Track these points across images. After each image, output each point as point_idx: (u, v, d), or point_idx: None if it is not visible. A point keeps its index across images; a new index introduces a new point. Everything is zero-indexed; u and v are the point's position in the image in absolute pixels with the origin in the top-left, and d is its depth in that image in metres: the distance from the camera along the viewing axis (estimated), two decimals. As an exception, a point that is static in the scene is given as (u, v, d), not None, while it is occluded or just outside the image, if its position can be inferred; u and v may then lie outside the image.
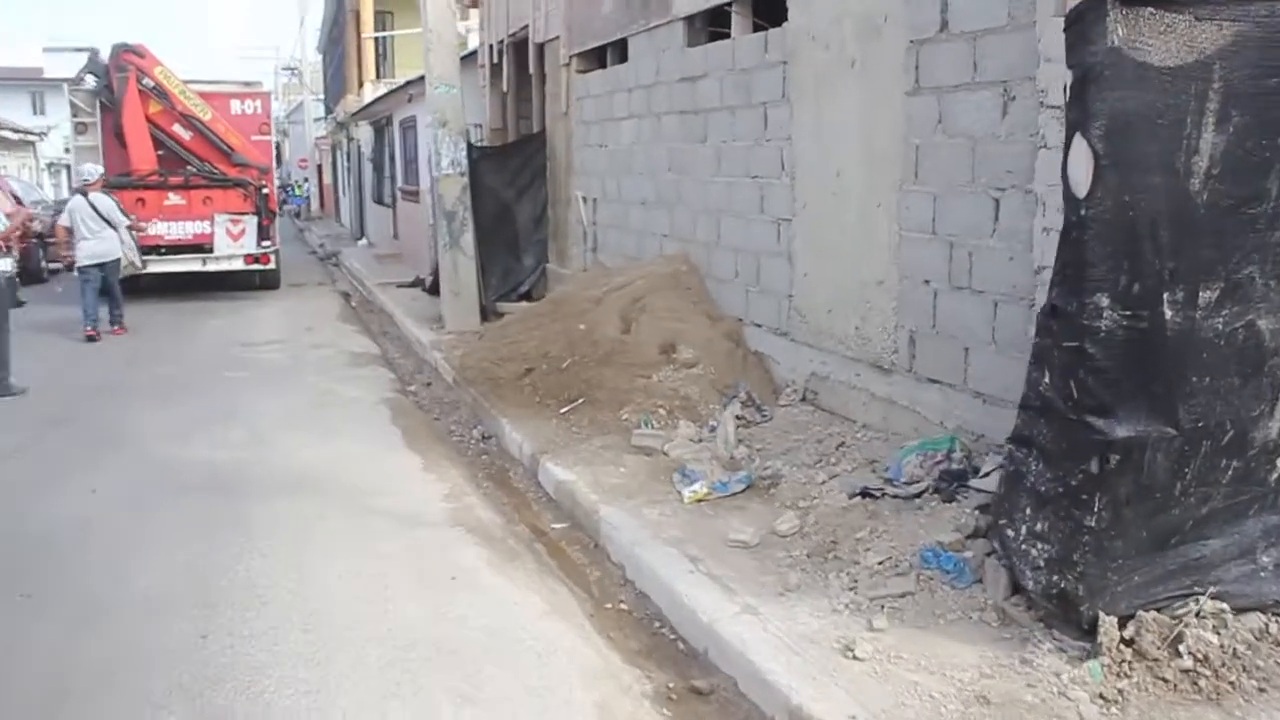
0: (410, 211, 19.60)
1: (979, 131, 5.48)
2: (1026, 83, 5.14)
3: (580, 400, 7.60)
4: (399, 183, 20.85)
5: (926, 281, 5.97)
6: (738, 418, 7.17)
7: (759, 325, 7.87)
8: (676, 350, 7.84)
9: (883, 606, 4.23)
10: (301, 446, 7.19)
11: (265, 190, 15.78)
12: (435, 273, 14.41)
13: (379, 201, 23.88)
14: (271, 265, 15.93)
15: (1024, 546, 4.09)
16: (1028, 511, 4.12)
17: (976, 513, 4.68)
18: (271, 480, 6.47)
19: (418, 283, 16.26)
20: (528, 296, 12.70)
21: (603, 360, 7.92)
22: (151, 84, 14.86)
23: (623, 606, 4.75)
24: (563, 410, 7.58)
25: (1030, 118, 5.12)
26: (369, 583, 4.80)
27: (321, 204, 42.51)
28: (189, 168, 15.37)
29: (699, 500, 5.70)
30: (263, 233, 15.61)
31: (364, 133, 26.41)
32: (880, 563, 4.52)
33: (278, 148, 28.42)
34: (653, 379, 7.53)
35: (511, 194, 12.56)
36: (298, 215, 40.95)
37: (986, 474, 4.99)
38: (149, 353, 11.22)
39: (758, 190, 7.71)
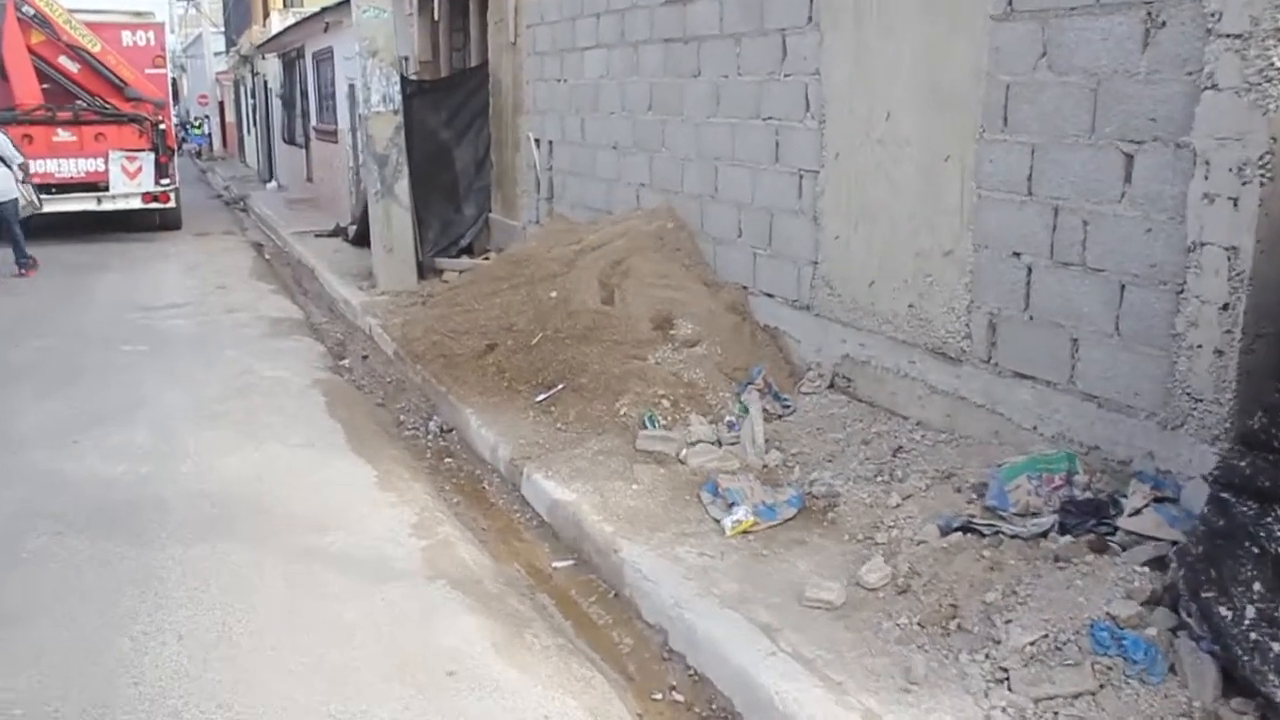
0: (326, 153, 17.90)
1: (1105, 67, 4.29)
2: (1184, 3, 3.95)
3: (561, 386, 6.32)
4: (313, 121, 19.07)
5: (1016, 254, 4.80)
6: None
7: (770, 295, 6.65)
8: (673, 325, 6.60)
9: (1056, 714, 3.09)
10: (221, 453, 5.78)
11: (162, 126, 15.25)
12: (359, 222, 12.96)
13: (290, 141, 22.00)
14: (172, 204, 15.39)
15: (1251, 634, 2.98)
16: (1256, 587, 3.01)
17: (1147, 569, 3.55)
18: (185, 510, 5.01)
19: (338, 232, 14.72)
20: (469, 251, 11.31)
21: (583, 336, 6.64)
22: (32, 12, 14.05)
23: (677, 697, 3.55)
24: (539, 398, 6.30)
25: (1188, 49, 3.95)
26: (333, 686, 3.46)
27: (225, 143, 39.98)
28: (79, 102, 14.64)
29: (744, 531, 4.50)
30: (161, 170, 15.10)
31: (271, 67, 24.37)
32: (1032, 643, 3.37)
33: (174, 83, 27.30)
34: (648, 360, 6.28)
35: (450, 135, 11.08)
36: (199, 155, 38.53)
37: (1137, 512, 3.85)
38: (31, 319, 9.59)
39: (770, 135, 6.45)
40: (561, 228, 8.56)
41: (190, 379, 7.38)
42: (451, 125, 11.07)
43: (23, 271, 11.83)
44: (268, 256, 14.15)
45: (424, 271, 10.63)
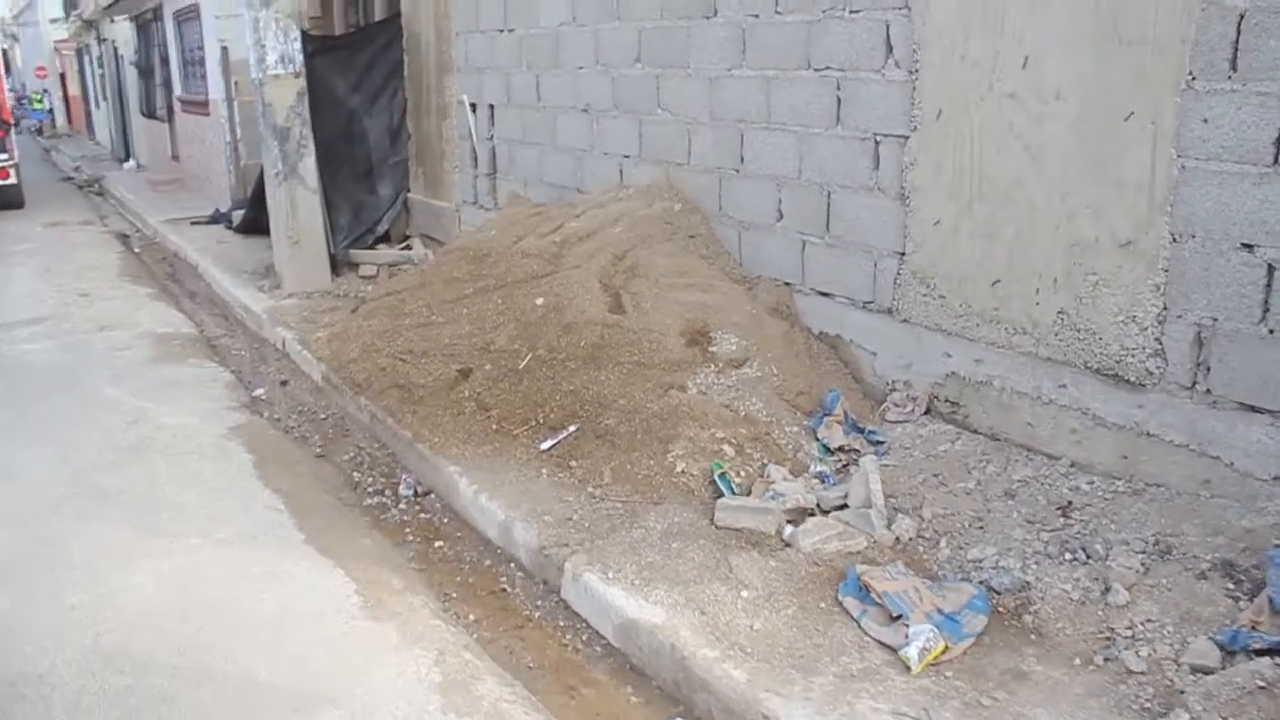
0: (195, 127, 15.73)
1: None
2: None
3: (574, 429, 4.82)
4: (177, 91, 16.80)
5: (1247, 247, 3.48)
6: (840, 450, 4.60)
7: (827, 295, 5.24)
8: (711, 338, 5.15)
9: None
10: (121, 565, 4.05)
11: None
12: (249, 206, 11.13)
13: (149, 115, 19.59)
14: (12, 179, 14.77)
15: None
16: None
17: None
18: (75, 694, 3.23)
19: (219, 218, 12.77)
20: (385, 239, 9.58)
21: (591, 357, 5.14)
22: None
23: None
24: (546, 446, 4.79)
25: None
26: None
27: (69, 119, 36.54)
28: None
29: (933, 663, 3.09)
30: None
31: (122, 31, 21.75)
32: None
33: (5, 55, 24.74)
34: (689, 390, 4.81)
35: (360, 101, 9.32)
36: (40, 133, 35.19)
37: None
38: None
39: (827, 90, 5.00)
40: (526, 212, 6.96)
41: (59, 434, 5.58)
42: (360, 89, 9.30)
43: None
44: (137, 249, 12.10)
45: (336, 266, 8.90)
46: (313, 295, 8.45)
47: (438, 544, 4.39)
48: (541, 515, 4.17)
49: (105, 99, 26.12)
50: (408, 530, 4.54)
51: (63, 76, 36.63)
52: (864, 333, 5.07)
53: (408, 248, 9.47)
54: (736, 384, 4.88)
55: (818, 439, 4.64)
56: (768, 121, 5.41)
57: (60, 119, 37.47)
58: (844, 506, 4.08)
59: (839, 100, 4.95)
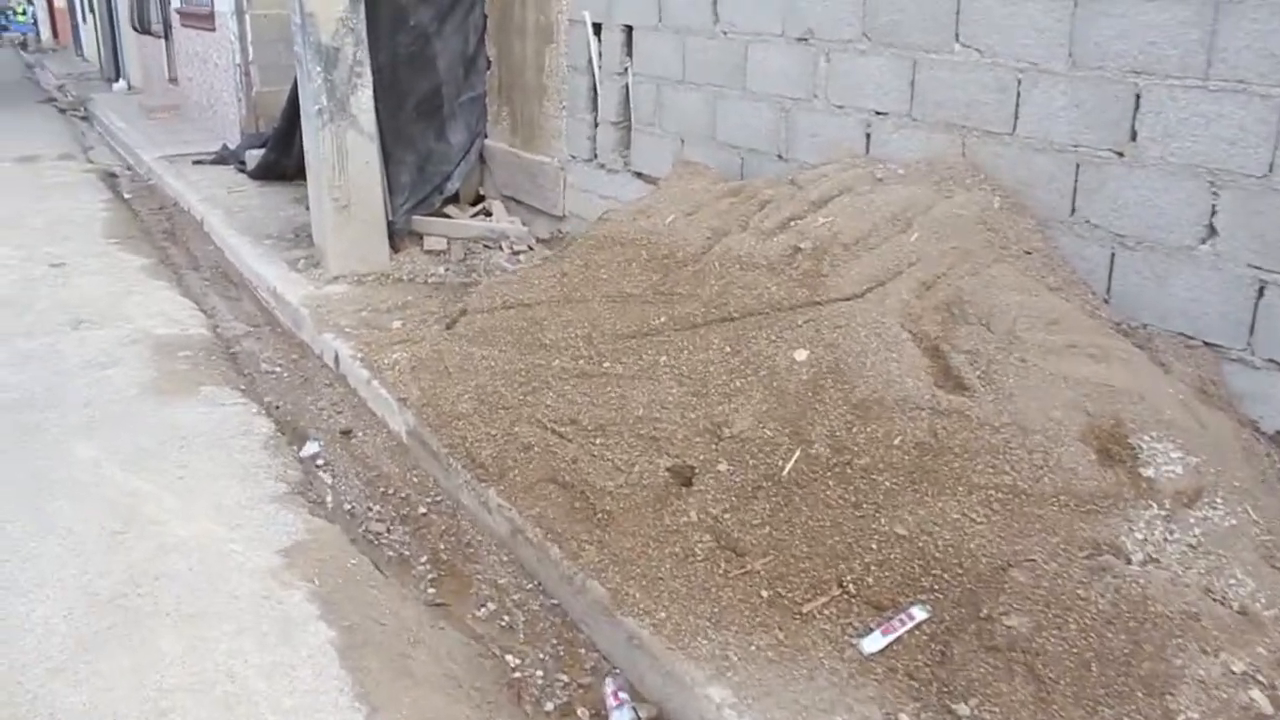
0: (198, 45, 13.28)
1: None
2: None
3: (920, 612, 2.61)
4: (175, 3, 14.29)
5: None
6: None
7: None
8: (1134, 448, 2.94)
9: None
10: None
11: None
12: (273, 145, 8.87)
13: (143, 30, 17.02)
14: None
15: None
16: None
17: None
18: None
19: (227, 157, 10.46)
20: (454, 200, 7.29)
21: (916, 467, 3.00)
22: None
23: None
24: (872, 644, 2.62)
25: None
26: None
27: (55, 32, 33.72)
28: None
29: None
30: None
31: (110, -69, 19.10)
32: None
33: None
34: (1132, 553, 2.65)
35: (429, 14, 6.95)
36: (24, 47, 32.46)
37: None
38: None
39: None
40: (710, 188, 4.67)
41: (12, 559, 3.33)
42: (429, 0, 6.93)
43: None
44: (128, 195, 9.75)
45: (395, 238, 6.62)
46: (366, 279, 6.20)
47: None
48: None
49: (93, 11, 23.44)
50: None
51: (48, -15, 33.81)
52: None
53: (485, 212, 7.19)
54: (1202, 543, 2.70)
55: None
56: (1204, 75, 3.14)
57: (45, 32, 34.69)
58: None
59: None
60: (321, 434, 4.44)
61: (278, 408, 4.71)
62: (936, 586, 2.75)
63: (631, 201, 5.05)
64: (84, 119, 15.38)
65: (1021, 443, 2.93)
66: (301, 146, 8.03)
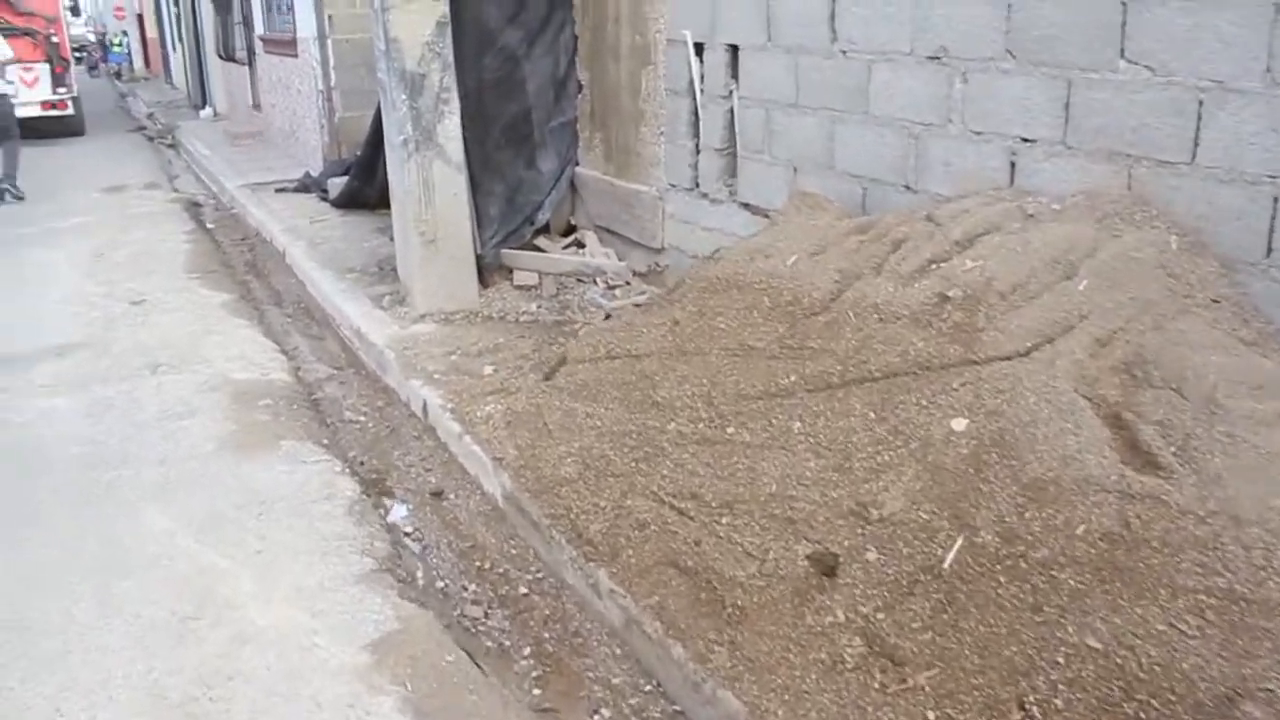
0: (280, 71, 13.20)
1: None
2: None
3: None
4: (259, 29, 14.26)
5: None
6: None
7: None
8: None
9: None
10: None
11: (55, 39, 15.75)
12: (356, 173, 8.67)
13: (227, 57, 17.10)
14: (70, 111, 16.02)
15: None
16: None
17: None
18: None
19: (309, 185, 10.28)
20: (544, 231, 6.94)
21: (1105, 563, 2.56)
22: None
23: None
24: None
25: None
26: None
27: (147, 62, 34.43)
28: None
29: None
30: (57, 80, 15.74)
31: (197, -39, 19.29)
32: None
33: None
34: None
35: (518, 36, 6.62)
36: (119, 76, 33.16)
37: None
38: None
39: None
40: (835, 224, 4.23)
41: (40, 650, 3.02)
42: (519, 20, 6.60)
43: None
44: (210, 224, 9.61)
45: (484, 273, 6.29)
46: (454, 318, 5.87)
47: None
48: None
49: (181, 40, 23.77)
50: None
51: (140, 17, 34.52)
52: None
53: (578, 244, 6.83)
54: None
55: None
56: None
57: (138, 62, 35.46)
58: None
59: None
60: (410, 494, 4.09)
61: (362, 463, 4.38)
62: (1144, 716, 2.27)
63: (744, 238, 4.64)
64: (171, 146, 15.45)
65: (1235, 536, 2.45)
66: (385, 175, 7.76)
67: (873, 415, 3.09)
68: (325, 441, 4.49)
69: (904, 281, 3.52)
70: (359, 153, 9.03)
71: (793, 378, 3.38)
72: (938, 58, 4.15)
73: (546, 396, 4.08)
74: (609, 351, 4.05)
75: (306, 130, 12.09)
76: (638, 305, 5.97)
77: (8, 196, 10.76)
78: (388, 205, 8.31)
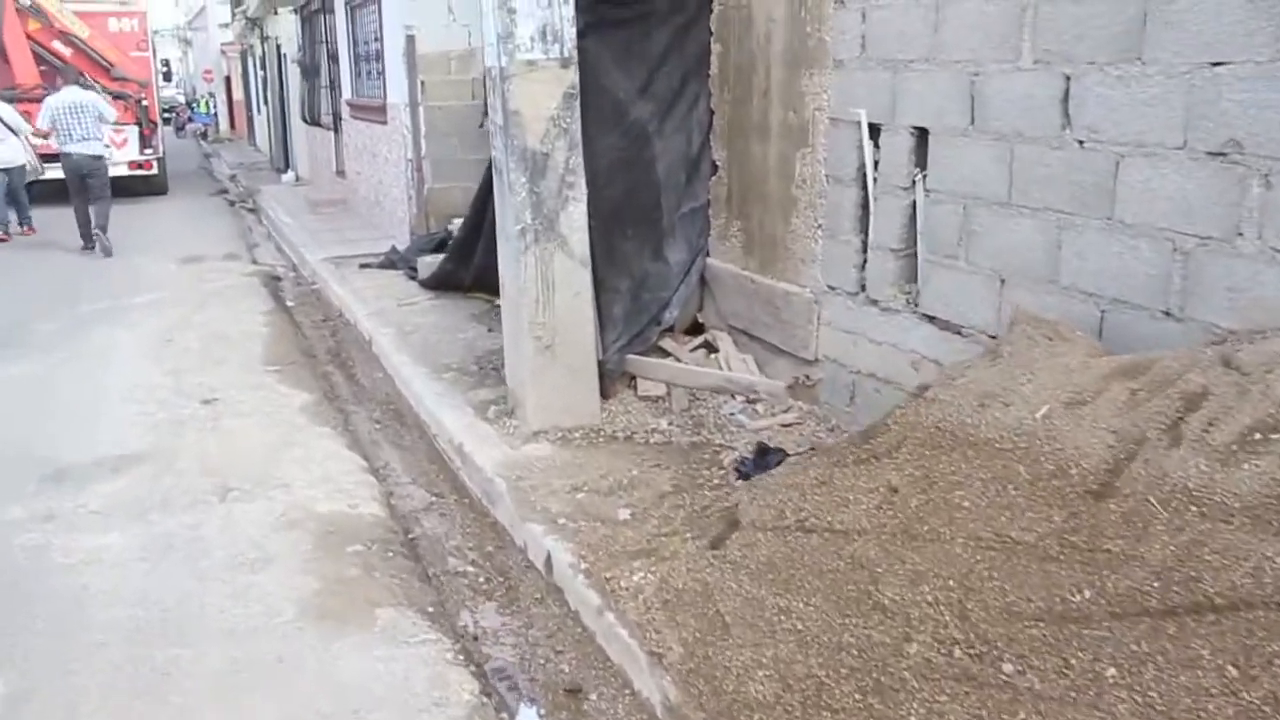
0: (367, 138, 12.67)
1: None
2: None
3: None
4: (345, 94, 13.81)
5: None
6: None
7: None
8: None
9: None
10: None
11: (145, 102, 16.54)
12: (452, 254, 7.92)
13: (312, 121, 16.74)
14: (155, 171, 16.84)
15: None
16: None
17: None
18: None
19: (396, 260, 9.64)
20: (669, 331, 6.08)
21: None
22: (29, 2, 15.18)
23: None
24: None
25: None
26: None
27: (232, 123, 34.81)
28: (71, 82, 12.88)
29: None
30: (144, 141, 16.57)
31: (285, 27, 19.08)
32: None
33: (166, 63, 25.59)
34: None
35: (649, 110, 5.84)
36: (204, 136, 33.69)
37: None
38: None
39: None
40: (1103, 370, 3.26)
41: None
42: (651, 92, 5.82)
43: (24, 230, 12.81)
44: (290, 303, 8.94)
45: (604, 380, 5.43)
46: (573, 436, 5.03)
47: None
48: None
49: (266, 103, 23.67)
50: None
51: (228, 80, 34.97)
52: None
53: (707, 345, 5.97)
54: None
55: None
56: None
57: (224, 123, 35.89)
58: None
59: None
60: (539, 689, 3.19)
61: (476, 638, 3.49)
62: None
63: (929, 357, 3.73)
64: (251, 211, 15.03)
65: None
66: (482, 258, 7.04)
67: (1234, 671, 2.14)
68: (430, 609, 3.61)
69: (1221, 459, 2.58)
70: (455, 231, 8.33)
71: (1087, 593, 2.45)
72: (1224, 154, 3.24)
73: (717, 573, 3.18)
74: (800, 520, 3.14)
75: (393, 200, 11.48)
76: (786, 426, 5.09)
77: (98, 248, 11.42)
78: (481, 287, 7.58)
